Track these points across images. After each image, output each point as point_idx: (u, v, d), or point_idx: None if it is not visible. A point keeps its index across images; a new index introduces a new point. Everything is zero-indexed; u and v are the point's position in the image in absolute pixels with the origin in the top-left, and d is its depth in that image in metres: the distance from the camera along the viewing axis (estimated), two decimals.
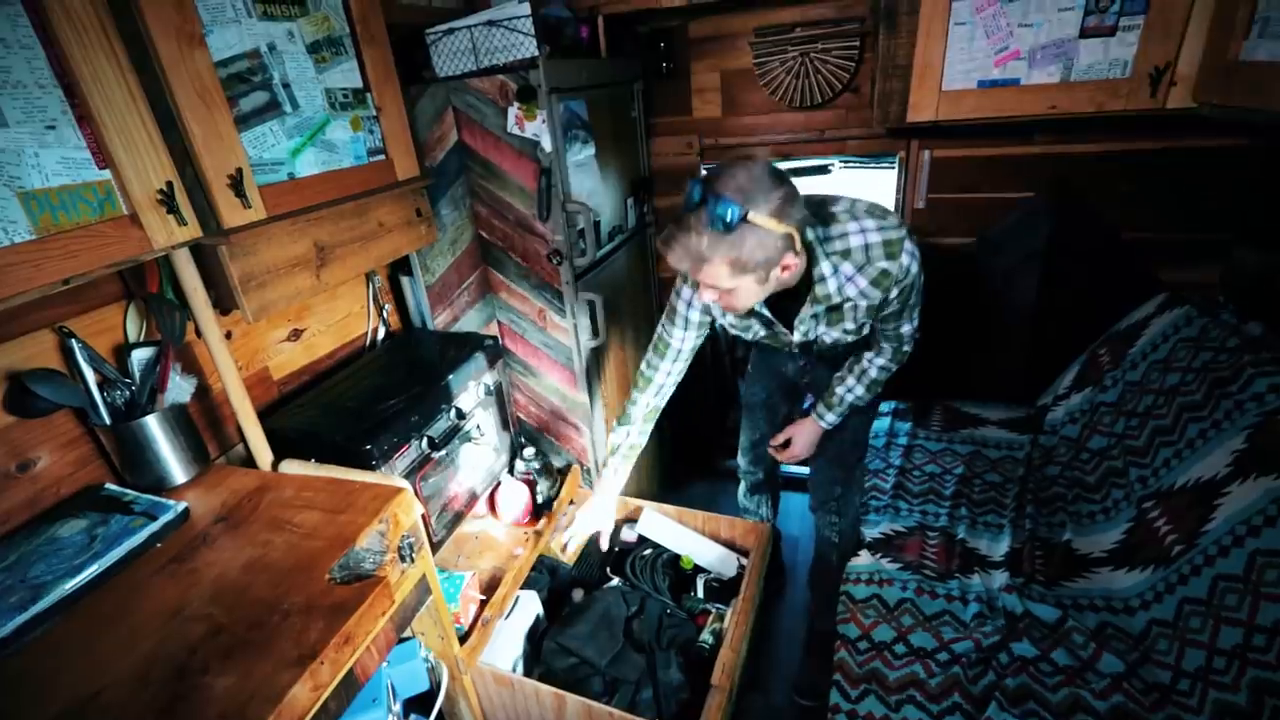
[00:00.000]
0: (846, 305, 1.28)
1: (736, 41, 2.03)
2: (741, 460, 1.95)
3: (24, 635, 0.83)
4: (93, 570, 0.91)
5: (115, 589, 0.91)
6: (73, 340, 1.02)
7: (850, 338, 1.38)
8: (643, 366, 1.52)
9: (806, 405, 1.90)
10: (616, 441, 1.57)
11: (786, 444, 1.62)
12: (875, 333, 1.41)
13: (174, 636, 0.82)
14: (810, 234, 1.19)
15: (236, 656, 0.79)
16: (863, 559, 1.51)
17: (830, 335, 1.37)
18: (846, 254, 1.21)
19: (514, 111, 1.53)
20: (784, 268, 1.14)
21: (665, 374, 1.49)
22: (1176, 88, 1.41)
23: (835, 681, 1.27)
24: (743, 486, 2.01)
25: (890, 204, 2.10)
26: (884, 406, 2.05)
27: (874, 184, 2.38)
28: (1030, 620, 1.28)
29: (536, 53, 1.48)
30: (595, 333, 1.80)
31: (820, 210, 1.23)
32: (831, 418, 1.53)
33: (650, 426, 1.57)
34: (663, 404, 1.56)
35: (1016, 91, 1.54)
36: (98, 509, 1.03)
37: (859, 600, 1.41)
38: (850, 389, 1.48)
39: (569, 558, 1.54)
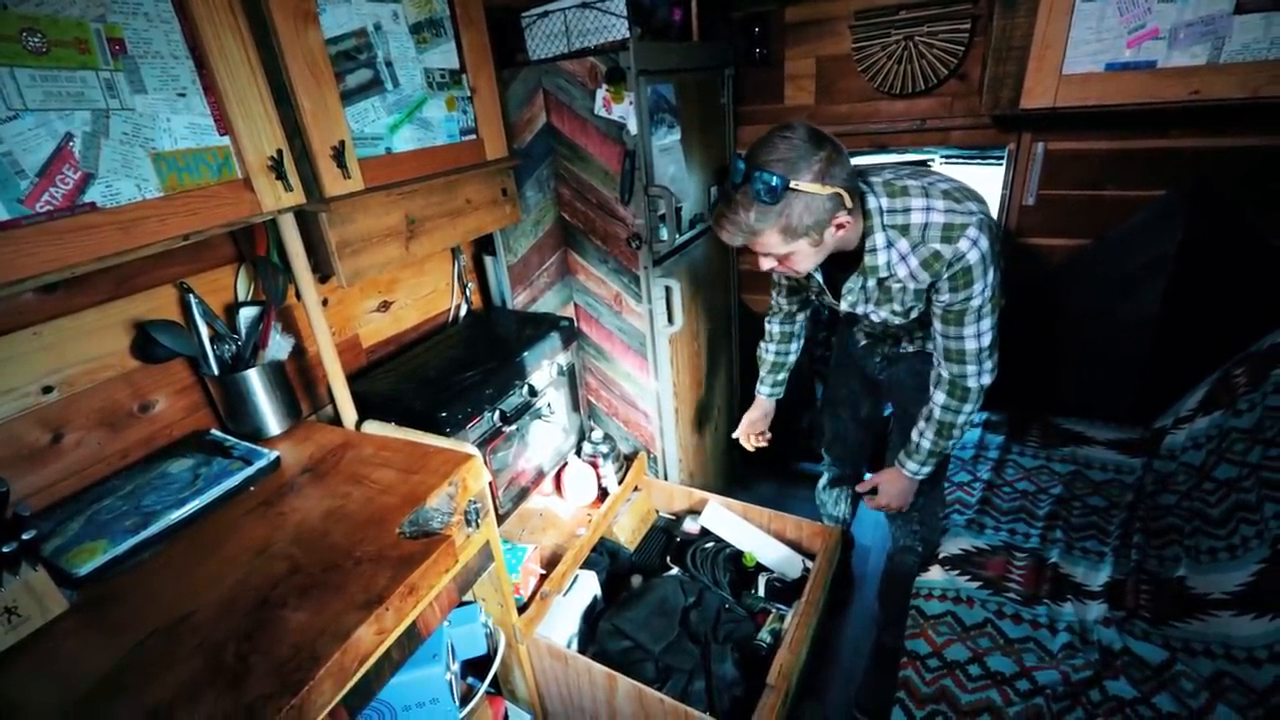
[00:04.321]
0: (895, 286, 1.24)
1: (835, 25, 1.95)
2: (826, 453, 1.89)
3: (135, 556, 0.91)
4: (195, 505, 0.99)
5: (212, 524, 0.99)
6: (191, 295, 1.12)
7: (899, 320, 1.32)
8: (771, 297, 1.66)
9: (888, 413, 1.80)
10: (760, 355, 1.71)
11: (874, 490, 1.52)
12: (936, 343, 1.29)
13: (259, 571, 0.88)
14: (873, 202, 1.17)
15: (312, 594, 0.83)
16: (935, 574, 1.42)
17: (879, 314, 1.32)
18: (905, 230, 1.17)
19: (602, 93, 1.54)
20: (838, 226, 1.13)
21: (786, 301, 1.61)
22: None
23: (899, 699, 1.20)
24: (824, 478, 1.94)
25: (995, 200, 1.96)
26: (976, 416, 1.91)
27: (978, 181, 2.22)
28: (1130, 658, 1.16)
29: (627, 34, 1.47)
30: (671, 319, 1.78)
31: (896, 181, 1.19)
32: (913, 465, 1.40)
33: (793, 345, 1.68)
34: (798, 329, 1.67)
35: (1151, 75, 1.39)
36: (203, 451, 1.13)
37: (931, 616, 1.32)
38: (922, 432, 1.37)
39: (751, 443, 1.76)
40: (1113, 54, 1.40)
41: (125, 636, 0.79)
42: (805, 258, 1.16)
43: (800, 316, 1.65)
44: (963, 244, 1.13)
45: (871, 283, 1.25)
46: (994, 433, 1.87)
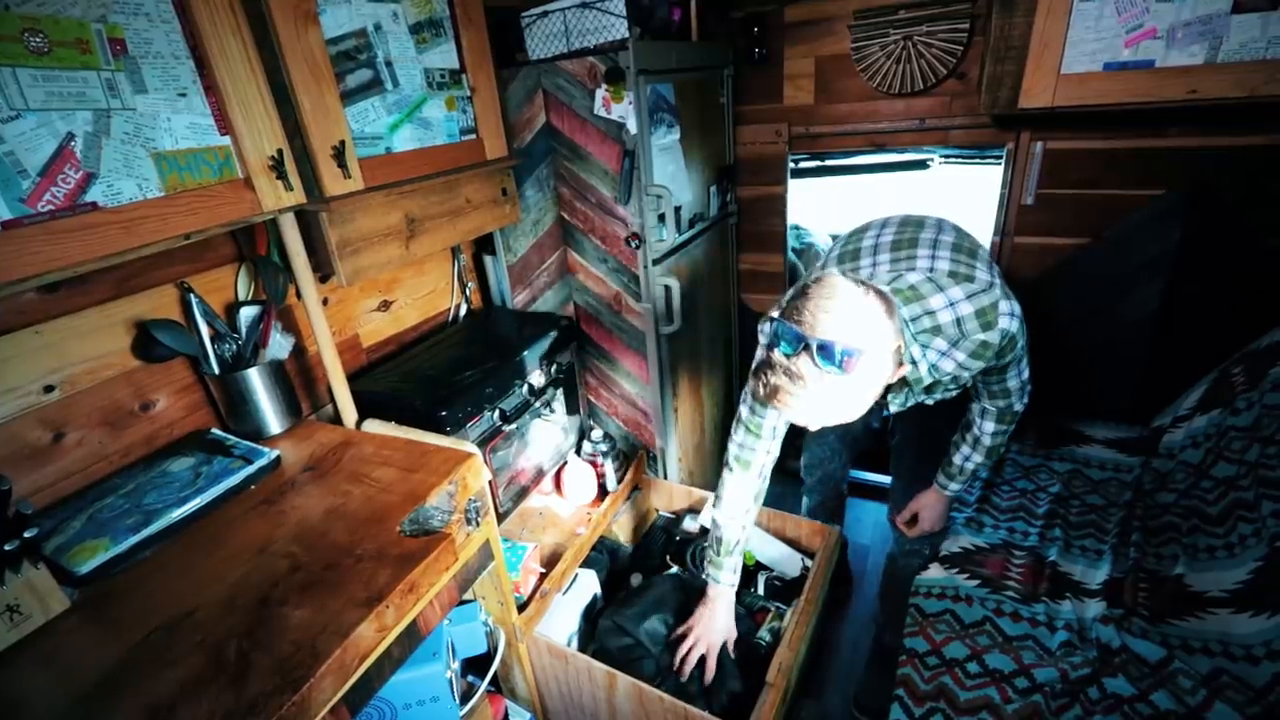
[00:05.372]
0: (945, 379, 1.16)
1: (834, 25, 1.95)
2: (806, 478, 1.89)
3: (136, 554, 0.92)
4: (196, 503, 0.99)
5: (213, 522, 0.99)
6: (191, 295, 1.12)
7: (952, 396, 1.27)
8: (733, 448, 1.33)
9: (888, 413, 1.81)
10: (731, 538, 1.36)
11: (914, 519, 1.54)
12: (979, 391, 1.31)
13: (260, 569, 0.89)
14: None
15: (313, 592, 0.84)
16: (934, 572, 1.43)
17: (929, 399, 1.26)
18: (936, 330, 1.09)
19: (601, 93, 1.54)
20: (895, 374, 1.06)
21: (765, 453, 1.32)
22: None
23: (898, 696, 1.20)
24: (805, 504, 1.95)
25: (994, 200, 1.96)
26: None
27: (977, 181, 2.22)
28: (1128, 656, 1.16)
29: (627, 34, 1.48)
30: (671, 318, 1.79)
31: (900, 285, 1.11)
32: (955, 487, 1.44)
33: (756, 511, 1.39)
34: (766, 486, 1.37)
35: (1150, 75, 1.39)
36: (203, 450, 1.13)
37: (930, 614, 1.33)
38: (968, 457, 1.39)
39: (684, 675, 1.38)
40: (1111, 53, 1.40)
41: (126, 634, 0.80)
42: (862, 410, 1.04)
43: (779, 448, 1.35)
44: (1003, 322, 1.09)
45: (917, 389, 1.17)
46: None
